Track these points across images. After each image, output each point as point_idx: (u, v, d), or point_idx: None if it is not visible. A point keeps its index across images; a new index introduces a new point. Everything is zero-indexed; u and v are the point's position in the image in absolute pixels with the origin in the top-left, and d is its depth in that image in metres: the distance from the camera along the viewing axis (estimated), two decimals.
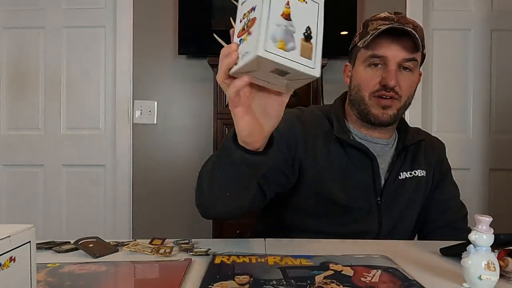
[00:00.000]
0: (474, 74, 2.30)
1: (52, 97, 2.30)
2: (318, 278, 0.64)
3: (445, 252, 0.80)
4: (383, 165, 1.01)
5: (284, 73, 0.54)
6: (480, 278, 0.58)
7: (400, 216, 1.01)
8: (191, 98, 2.24)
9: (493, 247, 0.60)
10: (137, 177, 2.25)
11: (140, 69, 2.24)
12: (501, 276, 0.63)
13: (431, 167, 1.06)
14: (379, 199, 0.99)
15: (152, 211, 2.24)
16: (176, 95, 2.25)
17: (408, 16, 2.19)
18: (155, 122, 2.25)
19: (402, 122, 1.07)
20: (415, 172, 1.03)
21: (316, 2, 0.56)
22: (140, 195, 2.25)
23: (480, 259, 0.59)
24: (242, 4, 0.59)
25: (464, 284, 0.62)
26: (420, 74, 1.02)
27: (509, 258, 0.66)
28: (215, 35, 1.90)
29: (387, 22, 0.93)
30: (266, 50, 0.50)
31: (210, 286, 0.60)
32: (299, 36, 0.53)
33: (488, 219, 0.59)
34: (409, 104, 0.99)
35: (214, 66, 1.84)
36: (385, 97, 0.94)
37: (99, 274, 0.68)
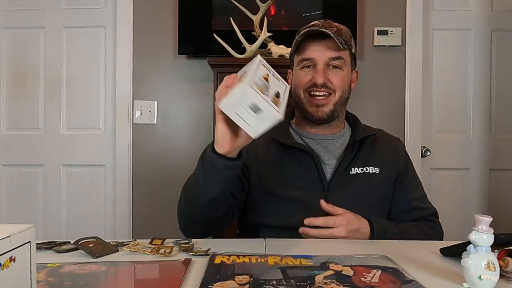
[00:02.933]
0: (474, 74, 2.30)
1: (52, 97, 2.30)
2: (318, 278, 0.64)
3: (445, 252, 0.80)
4: (332, 159, 1.08)
5: (256, 110, 0.71)
6: (480, 278, 0.58)
7: (350, 210, 1.01)
8: (191, 98, 2.24)
9: (493, 247, 0.60)
10: (137, 177, 2.25)
11: (140, 69, 2.24)
12: (501, 276, 0.63)
13: (385, 165, 1.10)
14: (326, 192, 1.04)
15: (152, 211, 2.24)
16: (176, 95, 2.25)
17: (408, 16, 2.22)
18: (155, 122, 2.25)
19: (354, 119, 1.16)
20: (366, 169, 1.07)
21: (285, 84, 0.82)
22: (140, 195, 2.25)
23: (480, 259, 0.59)
24: (239, 73, 0.81)
25: (464, 284, 0.62)
26: (357, 72, 1.14)
27: (509, 258, 0.66)
28: (215, 35, 1.90)
29: (312, 29, 1.04)
30: (250, 86, 0.70)
31: (210, 286, 0.60)
32: (271, 92, 0.76)
33: (488, 219, 0.59)
34: (347, 98, 1.10)
35: (214, 66, 1.84)
36: (318, 96, 1.05)
37: (99, 274, 0.68)
